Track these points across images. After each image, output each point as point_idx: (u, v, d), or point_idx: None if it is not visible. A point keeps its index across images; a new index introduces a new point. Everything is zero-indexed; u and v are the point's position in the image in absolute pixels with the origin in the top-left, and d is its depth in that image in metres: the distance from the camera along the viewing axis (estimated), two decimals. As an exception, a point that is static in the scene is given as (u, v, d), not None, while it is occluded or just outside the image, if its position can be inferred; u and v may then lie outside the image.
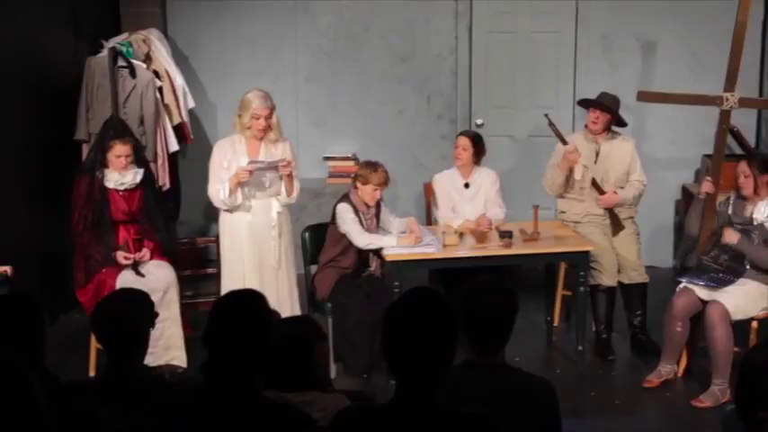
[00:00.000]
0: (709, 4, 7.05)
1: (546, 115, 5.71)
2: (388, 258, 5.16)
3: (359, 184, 5.32)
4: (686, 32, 7.27)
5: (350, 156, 7.29)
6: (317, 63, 7.40)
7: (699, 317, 5.13)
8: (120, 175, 5.25)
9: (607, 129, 5.75)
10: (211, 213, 7.29)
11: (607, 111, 5.67)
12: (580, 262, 5.33)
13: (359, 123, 7.47)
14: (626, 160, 5.74)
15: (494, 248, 5.29)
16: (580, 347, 5.42)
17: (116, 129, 5.35)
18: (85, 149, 6.02)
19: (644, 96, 5.75)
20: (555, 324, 6.00)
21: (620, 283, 5.72)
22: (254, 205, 5.17)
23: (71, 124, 6.21)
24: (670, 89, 6.09)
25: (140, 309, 3.04)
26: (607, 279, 5.60)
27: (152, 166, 6.22)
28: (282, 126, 5.31)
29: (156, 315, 3.09)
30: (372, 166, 5.33)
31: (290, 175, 5.11)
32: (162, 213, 5.60)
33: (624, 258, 5.69)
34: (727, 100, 5.31)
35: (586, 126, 5.80)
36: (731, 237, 5.08)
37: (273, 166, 5.01)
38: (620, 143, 5.76)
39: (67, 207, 5.31)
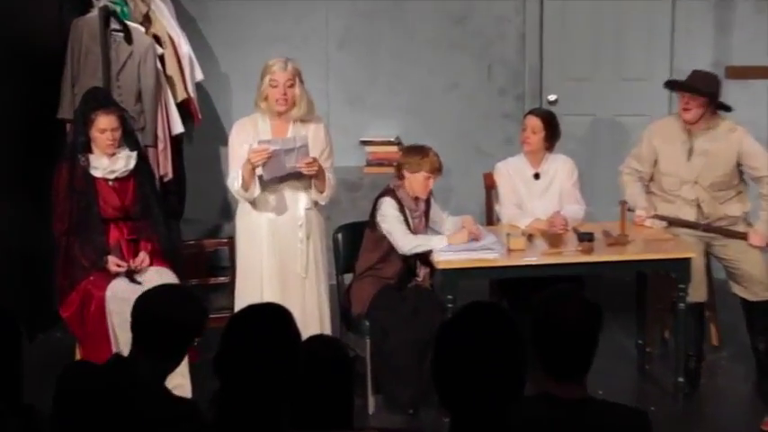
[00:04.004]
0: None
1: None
2: (439, 266, 5.14)
3: (407, 173, 5.30)
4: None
5: (392, 140, 7.27)
6: (352, 26, 7.40)
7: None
8: (110, 162, 5.27)
9: (705, 116, 5.59)
10: (224, 210, 7.33)
11: (700, 94, 5.54)
12: (680, 272, 5.27)
13: (403, 100, 7.46)
14: (730, 158, 5.56)
15: (570, 254, 5.24)
16: (680, 379, 5.36)
17: (98, 99, 5.38)
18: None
19: (735, 73, 5.58)
20: (648, 349, 5.94)
21: (742, 299, 5.66)
22: (277, 200, 5.17)
23: (54, 100, 6.27)
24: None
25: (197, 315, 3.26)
26: (695, 293, 5.49)
27: (151, 151, 6.24)
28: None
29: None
30: (420, 150, 5.32)
31: (318, 169, 5.09)
32: (162, 208, 5.62)
33: (748, 272, 5.59)
34: None
35: None
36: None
37: (292, 148, 4.99)
38: (724, 134, 5.58)
39: (48, 202, 5.36)
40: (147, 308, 3.20)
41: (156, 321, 3.15)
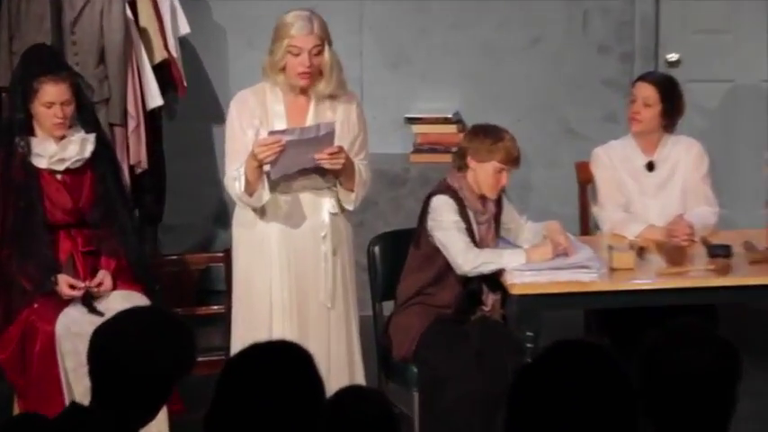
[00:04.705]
0: None
1: None
2: (514, 290, 5.14)
3: (472, 163, 5.31)
4: None
5: (449, 116, 7.29)
6: (394, -41, 7.44)
7: None
8: (58, 147, 5.29)
9: None
10: (218, 213, 7.36)
11: None
12: None
13: (464, 62, 7.47)
14: None
15: (698, 275, 5.23)
16: None
17: (43, 61, 5.40)
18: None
19: None
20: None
21: None
22: (292, 202, 5.18)
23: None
24: None
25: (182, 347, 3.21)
26: None
27: (118, 132, 6.28)
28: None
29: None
30: (492, 133, 5.31)
31: (346, 161, 5.08)
32: (131, 210, 5.66)
33: None
34: None
35: None
36: None
37: (314, 137, 4.98)
38: None
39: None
40: (108, 344, 3.19)
41: (121, 363, 3.13)
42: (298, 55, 5.01)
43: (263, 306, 5.19)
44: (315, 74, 5.06)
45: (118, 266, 5.38)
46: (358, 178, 5.14)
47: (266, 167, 4.96)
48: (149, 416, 3.20)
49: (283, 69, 5.06)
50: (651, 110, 5.72)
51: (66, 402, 4.99)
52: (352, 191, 5.16)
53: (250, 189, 5.00)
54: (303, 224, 5.18)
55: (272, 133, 4.97)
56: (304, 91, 5.11)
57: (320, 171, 5.09)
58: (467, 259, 5.23)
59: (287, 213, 5.15)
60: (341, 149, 5.00)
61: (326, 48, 5.07)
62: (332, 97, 5.16)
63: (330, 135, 4.97)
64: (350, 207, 5.22)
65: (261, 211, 5.14)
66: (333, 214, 5.20)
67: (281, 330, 5.07)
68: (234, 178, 5.04)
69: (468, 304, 5.39)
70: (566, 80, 7.47)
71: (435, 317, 5.32)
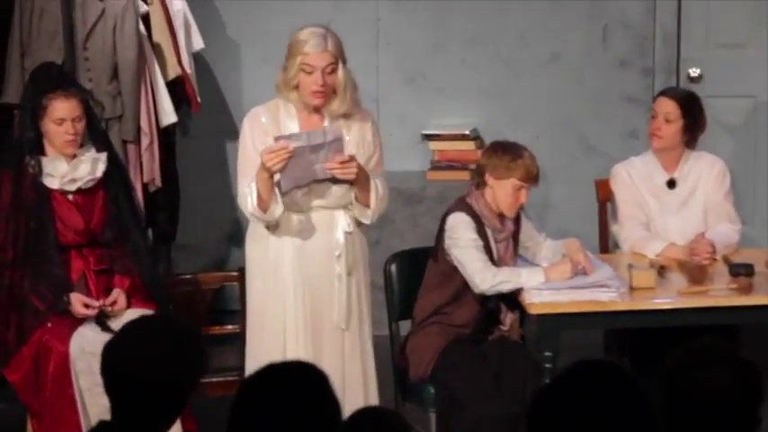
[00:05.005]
0: None
1: None
2: (532, 310, 5.14)
3: (490, 180, 5.31)
4: None
5: (467, 133, 7.29)
6: (411, -27, 7.44)
7: None
8: (70, 167, 5.31)
9: None
10: (232, 232, 7.36)
11: None
12: None
13: (483, 78, 7.46)
14: None
15: (720, 294, 5.22)
16: None
17: (51, 77, 5.40)
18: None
19: None
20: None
21: None
22: (305, 219, 5.17)
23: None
24: None
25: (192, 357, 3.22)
26: None
27: (131, 149, 6.29)
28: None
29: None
30: (511, 150, 5.31)
31: (359, 172, 5.09)
32: (144, 230, 5.67)
33: None
34: None
35: None
36: None
37: (322, 143, 4.95)
38: None
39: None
40: (119, 356, 3.20)
41: (134, 373, 3.15)
42: (311, 73, 5.00)
43: (277, 327, 5.17)
44: (328, 93, 5.04)
45: (132, 285, 5.39)
46: (374, 193, 5.12)
47: (277, 177, 4.95)
48: (166, 427, 3.22)
49: (297, 87, 5.05)
50: (672, 126, 5.71)
51: (81, 422, 5.00)
52: (367, 206, 5.15)
53: (263, 204, 4.99)
54: (317, 243, 5.16)
55: (278, 139, 4.95)
56: (318, 109, 5.10)
57: (334, 185, 5.09)
58: (484, 278, 5.22)
59: (300, 232, 5.12)
60: (352, 158, 4.98)
61: (340, 66, 5.05)
62: (346, 116, 5.14)
63: (339, 142, 4.96)
64: (367, 221, 5.20)
65: (274, 229, 5.13)
66: (347, 232, 5.18)
67: (296, 351, 5.06)
68: (246, 195, 5.02)
69: (486, 324, 5.39)
70: (585, 96, 7.46)
71: (453, 337, 5.32)
